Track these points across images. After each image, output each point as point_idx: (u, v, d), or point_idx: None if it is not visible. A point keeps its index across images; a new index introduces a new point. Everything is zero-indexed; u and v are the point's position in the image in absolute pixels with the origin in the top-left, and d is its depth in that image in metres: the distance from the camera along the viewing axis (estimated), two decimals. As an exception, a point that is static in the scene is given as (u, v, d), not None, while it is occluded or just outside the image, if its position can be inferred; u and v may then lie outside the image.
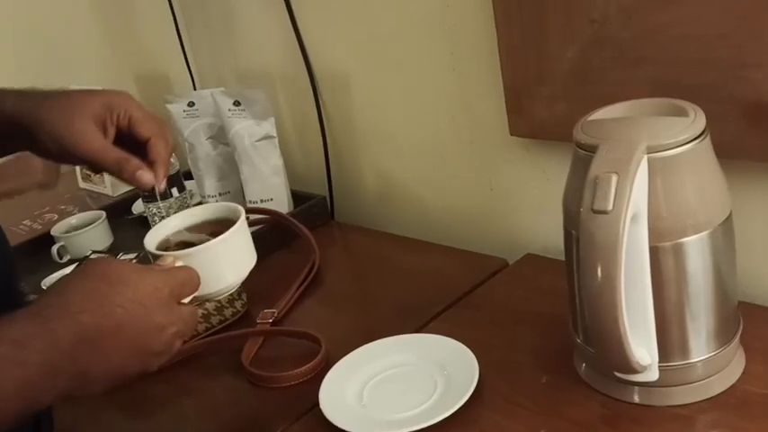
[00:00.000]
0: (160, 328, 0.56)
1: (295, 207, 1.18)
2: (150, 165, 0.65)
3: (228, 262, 0.64)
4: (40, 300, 0.54)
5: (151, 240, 0.66)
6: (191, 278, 0.60)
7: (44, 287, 1.07)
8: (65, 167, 1.66)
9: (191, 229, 0.68)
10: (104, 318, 0.53)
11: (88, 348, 0.52)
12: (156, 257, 0.62)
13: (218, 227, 0.66)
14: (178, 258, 0.61)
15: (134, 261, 1.06)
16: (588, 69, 0.82)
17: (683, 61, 0.75)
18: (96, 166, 0.66)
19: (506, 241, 1.03)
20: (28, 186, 1.22)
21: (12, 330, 0.51)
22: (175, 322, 0.57)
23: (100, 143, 0.64)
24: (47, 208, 1.48)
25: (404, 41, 1.04)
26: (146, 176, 0.64)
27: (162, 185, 0.66)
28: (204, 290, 0.62)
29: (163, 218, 1.12)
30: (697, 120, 0.62)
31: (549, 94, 0.87)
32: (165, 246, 0.66)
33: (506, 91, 0.92)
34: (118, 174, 0.65)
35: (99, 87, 1.43)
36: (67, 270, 1.10)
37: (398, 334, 0.82)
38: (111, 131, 0.66)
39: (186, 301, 0.60)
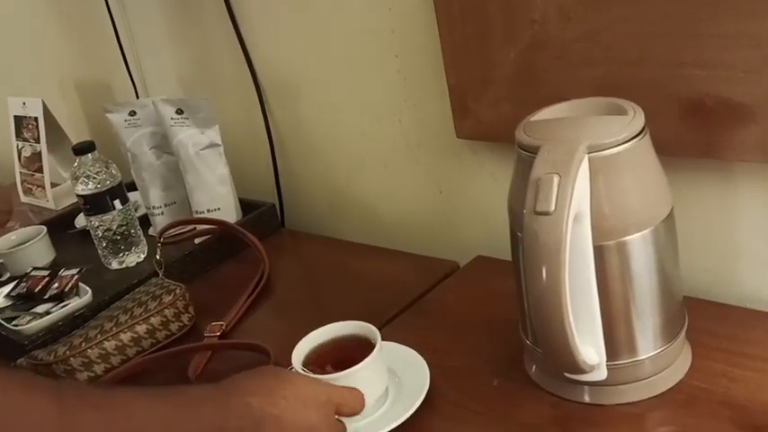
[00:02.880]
0: (312, 428, 0.62)
1: (244, 216, 1.16)
2: None
3: (366, 385, 0.69)
4: (226, 380, 0.63)
5: (298, 357, 0.72)
6: (354, 398, 0.66)
7: (-18, 307, 1.03)
8: (5, 180, 1.61)
9: (326, 344, 0.74)
10: (269, 405, 0.61)
11: (250, 427, 0.60)
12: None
13: (354, 343, 0.73)
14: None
15: (76, 276, 1.03)
16: (531, 70, 0.82)
17: (622, 61, 0.75)
18: None
19: (457, 244, 1.03)
20: None
21: (194, 389, 0.63)
22: (326, 428, 0.64)
23: None
24: (-14, 224, 1.42)
25: (348, 45, 1.03)
26: None
27: None
28: None
29: (107, 230, 1.09)
30: (636, 118, 0.62)
31: (493, 96, 0.87)
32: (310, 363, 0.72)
33: (451, 93, 0.91)
34: None
35: (39, 97, 1.40)
36: (7, 288, 1.06)
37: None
38: None
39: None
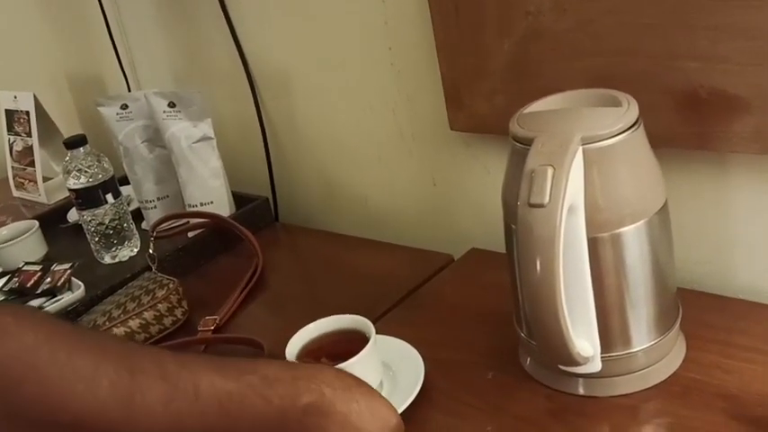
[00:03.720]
0: None
1: (237, 209, 1.16)
2: None
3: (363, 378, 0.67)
4: (300, 363, 0.63)
5: (292, 351, 0.71)
6: (402, 428, 0.61)
7: (-26, 302, 1.02)
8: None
9: (321, 338, 0.74)
10: (342, 402, 0.57)
11: (316, 420, 0.56)
12: None
13: (348, 336, 0.72)
14: None
15: (69, 271, 1.03)
16: (525, 62, 0.82)
17: (615, 51, 0.75)
18: None
19: (451, 236, 1.02)
20: None
21: (268, 368, 0.57)
22: None
23: None
24: (-22, 219, 1.42)
25: (342, 38, 1.03)
26: None
27: None
28: None
29: (99, 225, 1.09)
30: (630, 109, 0.62)
31: (487, 88, 0.87)
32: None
33: (445, 86, 0.91)
34: None
35: (30, 91, 1.39)
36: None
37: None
38: None
39: None
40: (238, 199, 1.17)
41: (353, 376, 0.60)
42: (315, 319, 0.74)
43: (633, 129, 0.61)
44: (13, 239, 1.15)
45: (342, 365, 0.67)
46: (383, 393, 0.71)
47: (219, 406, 0.53)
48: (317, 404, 0.56)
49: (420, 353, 0.74)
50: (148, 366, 0.53)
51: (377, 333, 0.80)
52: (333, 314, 0.86)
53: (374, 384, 0.70)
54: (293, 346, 0.72)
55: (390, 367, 0.75)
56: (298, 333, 0.73)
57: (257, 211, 1.16)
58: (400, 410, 0.68)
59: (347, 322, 0.74)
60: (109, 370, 0.52)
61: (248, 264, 1.02)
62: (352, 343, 0.70)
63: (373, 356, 0.70)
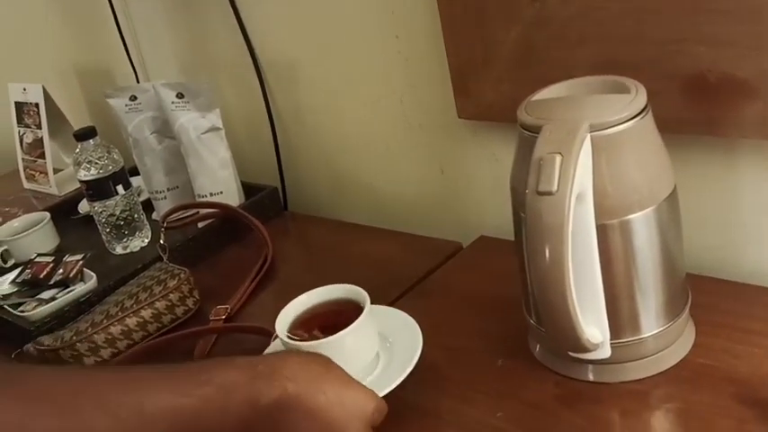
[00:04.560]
0: None
1: (246, 199, 1.16)
2: None
3: (355, 351, 0.67)
4: (263, 357, 0.59)
5: (283, 323, 0.69)
6: (384, 410, 0.60)
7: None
8: (8, 167, 1.61)
9: (314, 309, 0.72)
10: (308, 396, 0.55)
11: (281, 418, 0.54)
12: (294, 347, 0.66)
13: (342, 307, 0.70)
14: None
15: (81, 262, 1.03)
16: (532, 50, 0.82)
17: (621, 38, 0.75)
18: None
19: (460, 224, 1.03)
20: None
21: (224, 376, 0.54)
22: None
23: None
24: (-10, 211, 1.43)
25: (349, 27, 1.02)
26: None
27: None
28: None
29: (110, 216, 1.09)
30: (638, 96, 0.62)
31: (494, 76, 0.87)
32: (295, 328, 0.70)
33: (453, 73, 0.91)
34: None
35: (40, 83, 1.40)
36: (12, 275, 1.06)
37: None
38: None
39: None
40: (247, 189, 1.18)
41: (323, 363, 0.57)
42: None
43: (641, 115, 0.61)
44: (25, 231, 1.17)
45: (335, 337, 0.65)
46: (379, 366, 0.69)
47: (170, 428, 0.52)
48: (280, 402, 0.53)
49: (429, 340, 0.74)
50: (86, 404, 0.53)
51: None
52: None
53: (369, 356, 0.68)
54: (283, 320, 0.70)
55: (387, 338, 0.72)
56: (289, 304, 0.71)
57: (266, 201, 1.16)
58: (395, 384, 0.66)
59: (341, 292, 0.72)
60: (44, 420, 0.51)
61: (258, 253, 1.03)
62: (346, 313, 0.67)
63: (368, 327, 0.68)
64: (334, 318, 0.68)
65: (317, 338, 0.67)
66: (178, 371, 0.56)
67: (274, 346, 0.75)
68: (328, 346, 0.64)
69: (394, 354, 0.70)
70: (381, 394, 0.64)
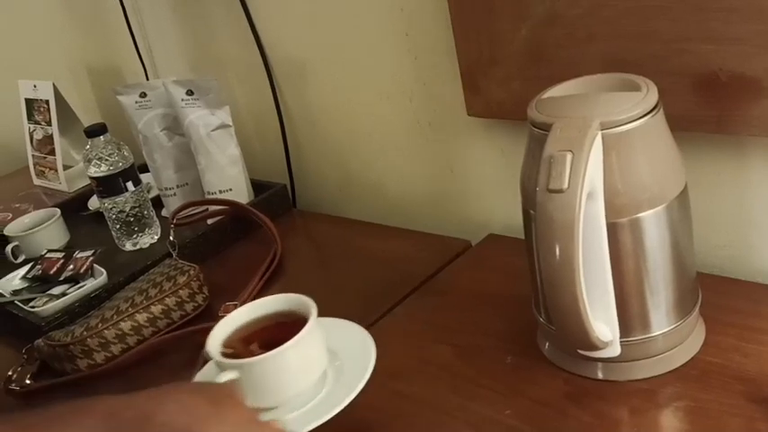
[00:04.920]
0: None
1: (255, 196, 1.17)
2: None
3: (297, 369, 0.60)
4: (140, 396, 0.47)
5: (216, 340, 0.62)
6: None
7: (-1, 289, 1.04)
8: (18, 163, 1.62)
9: (256, 322, 0.65)
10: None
11: None
12: (225, 366, 0.59)
13: (287, 319, 0.64)
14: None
15: (91, 258, 1.04)
16: (541, 47, 0.82)
17: (630, 36, 0.75)
18: None
19: (468, 222, 1.03)
20: None
21: (79, 427, 0.45)
22: None
23: None
24: (0, 207, 1.44)
25: (358, 25, 1.03)
26: None
27: None
28: (266, 401, 0.59)
29: (120, 212, 1.10)
30: (649, 94, 0.62)
31: (504, 74, 0.87)
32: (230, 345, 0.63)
33: (462, 71, 0.91)
34: None
35: (50, 80, 1.40)
36: (22, 270, 1.07)
37: (363, 320, 0.81)
38: None
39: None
40: (256, 186, 1.18)
41: (217, 400, 0.47)
42: (334, 305, 0.72)
43: (652, 113, 0.61)
44: (35, 227, 1.17)
45: (273, 353, 0.58)
46: (324, 388, 0.62)
47: None
48: None
49: (437, 337, 0.75)
50: None
51: (397, 318, 0.81)
52: (352, 300, 0.86)
53: (314, 376, 0.61)
54: (218, 336, 0.62)
55: (338, 355, 0.65)
56: (225, 318, 0.65)
57: (275, 198, 1.17)
58: (342, 407, 0.60)
59: (285, 303, 0.65)
60: None
61: (267, 250, 1.03)
62: (291, 327, 0.60)
63: (313, 342, 0.61)
64: (278, 332, 0.61)
65: (254, 355, 0.59)
66: (31, 426, 0.47)
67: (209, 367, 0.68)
68: (266, 363, 0.58)
69: (344, 373, 0.64)
70: (321, 421, 0.58)
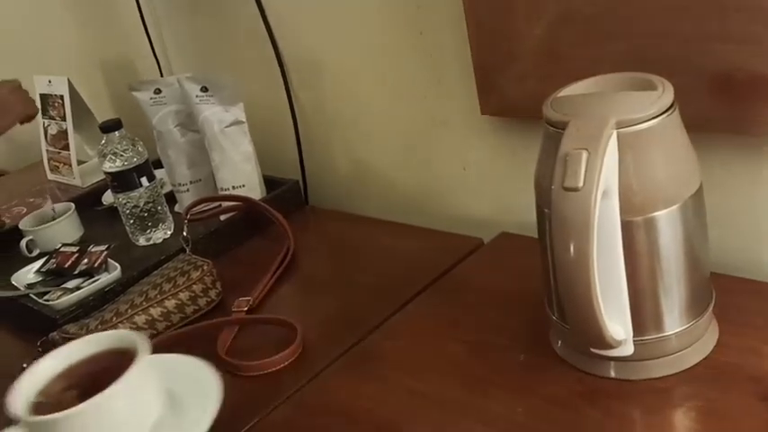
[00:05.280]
0: None
1: (268, 193, 1.17)
2: None
3: (124, 419, 0.52)
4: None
5: (28, 389, 0.53)
6: None
7: (14, 283, 1.05)
8: (32, 158, 1.63)
9: (79, 365, 0.56)
10: None
11: None
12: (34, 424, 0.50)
13: (114, 360, 0.55)
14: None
15: (105, 252, 1.05)
16: (557, 46, 0.82)
17: (646, 34, 0.74)
18: None
19: (481, 220, 1.03)
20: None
21: None
22: None
23: None
24: (15, 201, 1.45)
25: (373, 22, 1.03)
26: None
27: None
28: None
29: (134, 207, 1.11)
30: (665, 93, 0.62)
31: (518, 72, 0.87)
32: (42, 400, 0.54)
33: (476, 70, 0.91)
34: None
35: (65, 76, 1.42)
36: (37, 264, 1.08)
37: (375, 317, 0.81)
38: None
39: None
40: (269, 182, 1.18)
41: None
42: (346, 301, 0.71)
43: (668, 113, 0.61)
44: (50, 221, 1.18)
45: (91, 402, 0.50)
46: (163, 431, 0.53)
47: None
48: None
49: (449, 335, 0.75)
50: None
51: (408, 315, 0.81)
52: (363, 297, 0.86)
53: (149, 422, 0.53)
54: (28, 387, 0.53)
55: (176, 396, 0.58)
56: (38, 363, 0.55)
57: (288, 195, 1.17)
58: None
59: (110, 341, 0.57)
60: None
61: (279, 246, 1.04)
62: (119, 368, 0.53)
63: (143, 384, 0.53)
64: (104, 376, 0.53)
65: (71, 406, 0.51)
66: None
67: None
68: (83, 416, 0.50)
69: (182, 417, 0.56)
70: None
